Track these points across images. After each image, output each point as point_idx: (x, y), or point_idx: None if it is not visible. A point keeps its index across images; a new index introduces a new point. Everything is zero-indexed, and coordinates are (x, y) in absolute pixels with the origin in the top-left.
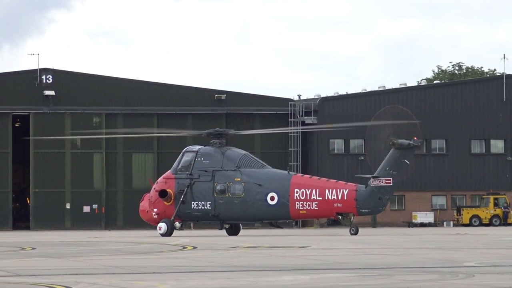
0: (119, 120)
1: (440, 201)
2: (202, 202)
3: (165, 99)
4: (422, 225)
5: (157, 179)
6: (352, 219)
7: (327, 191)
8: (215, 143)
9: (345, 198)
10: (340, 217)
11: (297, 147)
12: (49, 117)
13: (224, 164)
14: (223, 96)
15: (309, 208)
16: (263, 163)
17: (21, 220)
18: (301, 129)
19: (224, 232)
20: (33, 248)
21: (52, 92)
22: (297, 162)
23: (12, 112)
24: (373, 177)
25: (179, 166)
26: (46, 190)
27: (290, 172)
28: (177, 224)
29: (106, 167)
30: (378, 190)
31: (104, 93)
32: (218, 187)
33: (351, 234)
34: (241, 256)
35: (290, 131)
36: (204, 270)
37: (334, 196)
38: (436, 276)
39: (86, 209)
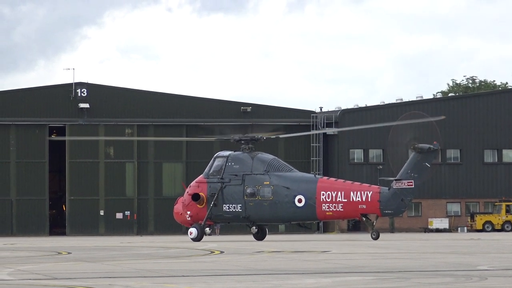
0: (150, 131)
1: (454, 208)
2: (233, 205)
3: (193, 111)
4: (438, 230)
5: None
6: (375, 222)
7: (351, 193)
8: (245, 148)
9: (369, 200)
10: (364, 218)
11: (318, 157)
12: (84, 128)
13: (254, 168)
14: (249, 109)
15: (335, 209)
16: (291, 167)
17: (57, 226)
18: (322, 132)
19: (250, 237)
20: (68, 253)
21: (86, 105)
22: (319, 171)
23: (49, 124)
24: (396, 180)
25: (211, 171)
26: (81, 198)
27: (316, 176)
28: (207, 229)
29: (138, 176)
30: (401, 192)
31: (135, 105)
32: (248, 190)
33: (372, 238)
34: (265, 260)
35: (312, 133)
36: (230, 273)
37: (358, 198)
38: (450, 279)
39: (119, 215)
